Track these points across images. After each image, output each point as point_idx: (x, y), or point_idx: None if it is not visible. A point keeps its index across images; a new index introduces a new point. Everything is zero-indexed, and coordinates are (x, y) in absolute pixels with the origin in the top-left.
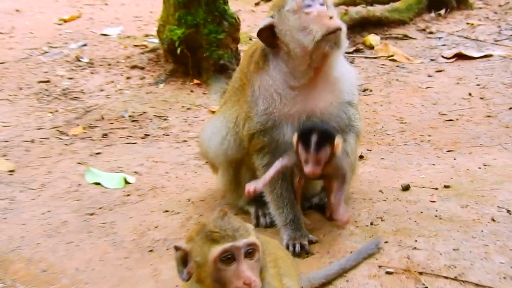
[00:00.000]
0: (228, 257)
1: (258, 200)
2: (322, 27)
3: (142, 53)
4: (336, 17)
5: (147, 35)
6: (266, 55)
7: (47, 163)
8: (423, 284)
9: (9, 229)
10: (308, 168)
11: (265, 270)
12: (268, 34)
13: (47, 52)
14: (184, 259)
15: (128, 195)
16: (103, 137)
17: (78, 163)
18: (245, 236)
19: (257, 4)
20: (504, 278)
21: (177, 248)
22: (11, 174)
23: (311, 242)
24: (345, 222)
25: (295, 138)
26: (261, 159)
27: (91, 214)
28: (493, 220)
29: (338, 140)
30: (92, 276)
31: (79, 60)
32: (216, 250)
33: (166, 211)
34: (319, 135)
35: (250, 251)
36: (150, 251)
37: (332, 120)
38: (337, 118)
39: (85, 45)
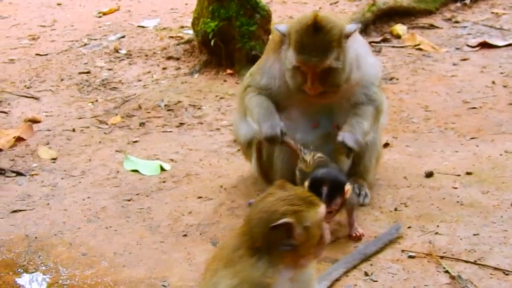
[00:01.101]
0: None
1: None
2: None
3: (178, 45)
4: None
5: (182, 27)
6: (282, 43)
7: (87, 151)
8: (444, 268)
9: (51, 215)
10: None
11: None
12: None
13: (87, 44)
14: (288, 231)
15: (164, 181)
16: (140, 126)
17: (117, 151)
18: None
19: None
20: None
21: (278, 226)
22: (53, 162)
23: None
24: (359, 237)
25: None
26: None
27: (129, 200)
28: None
29: (348, 187)
30: (130, 259)
31: (118, 52)
32: (322, 209)
33: (200, 197)
34: (330, 187)
35: None
36: (184, 235)
37: (347, 102)
38: (354, 97)
39: (123, 37)
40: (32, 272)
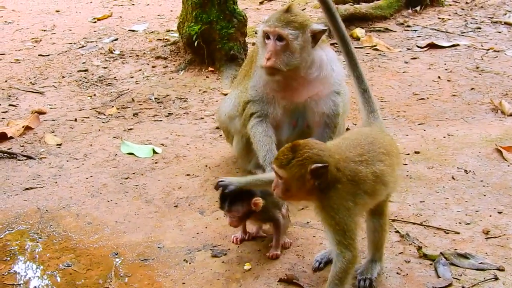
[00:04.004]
0: None
1: None
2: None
3: (165, 46)
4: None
5: (168, 30)
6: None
7: (88, 138)
8: (395, 228)
9: (59, 191)
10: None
11: None
12: None
13: (84, 46)
14: None
15: (156, 162)
16: (134, 116)
17: (114, 137)
18: None
19: (261, 3)
20: (460, 223)
21: None
22: (59, 147)
23: None
24: (275, 256)
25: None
26: (253, 119)
27: (126, 178)
28: (453, 178)
29: (258, 200)
30: (129, 227)
31: (112, 52)
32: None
33: (188, 174)
34: (233, 192)
35: None
36: (175, 206)
37: (318, 106)
38: (323, 104)
39: (116, 39)
40: (45, 239)
